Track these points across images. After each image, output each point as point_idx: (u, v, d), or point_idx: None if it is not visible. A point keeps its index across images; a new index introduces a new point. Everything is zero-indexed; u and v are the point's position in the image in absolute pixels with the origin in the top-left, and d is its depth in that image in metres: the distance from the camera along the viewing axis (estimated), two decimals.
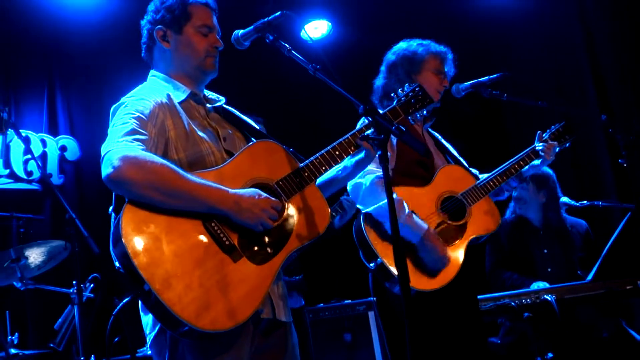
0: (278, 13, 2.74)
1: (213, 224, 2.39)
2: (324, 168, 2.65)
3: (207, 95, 2.83)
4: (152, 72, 2.81)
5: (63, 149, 6.27)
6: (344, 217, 4.71)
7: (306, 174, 2.61)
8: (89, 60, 6.30)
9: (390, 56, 3.81)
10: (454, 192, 3.57)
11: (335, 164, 2.69)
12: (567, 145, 3.91)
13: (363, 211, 3.44)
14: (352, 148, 2.72)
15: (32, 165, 5.98)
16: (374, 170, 3.38)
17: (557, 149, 3.84)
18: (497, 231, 3.67)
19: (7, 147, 5.95)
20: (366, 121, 2.77)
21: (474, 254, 3.66)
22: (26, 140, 5.80)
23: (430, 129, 3.91)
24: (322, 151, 2.68)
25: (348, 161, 2.79)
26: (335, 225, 4.91)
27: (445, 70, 3.77)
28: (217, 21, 2.80)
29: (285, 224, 2.52)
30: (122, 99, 2.60)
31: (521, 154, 3.77)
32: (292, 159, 2.66)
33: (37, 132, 6.18)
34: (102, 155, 2.38)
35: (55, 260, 4.64)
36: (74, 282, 4.20)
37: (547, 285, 4.67)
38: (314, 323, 5.46)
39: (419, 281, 3.27)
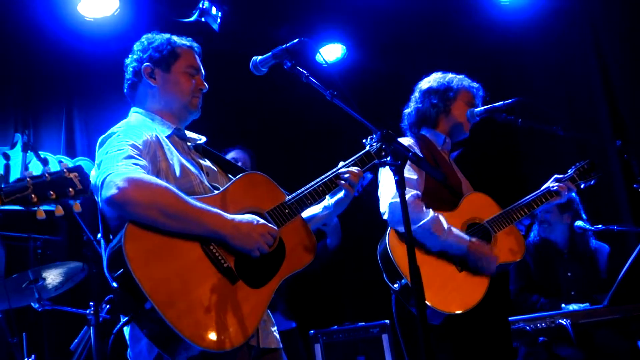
0: (296, 40, 2.80)
1: (211, 247, 2.44)
2: (309, 202, 2.76)
3: (187, 135, 2.90)
4: (135, 108, 2.89)
5: None
6: (332, 239, 4.80)
7: (294, 205, 2.72)
8: (107, 83, 6.35)
9: (424, 84, 3.90)
10: (480, 219, 3.60)
11: (320, 199, 2.82)
12: (593, 182, 3.93)
13: (394, 230, 3.41)
14: (334, 185, 2.84)
15: None
16: (408, 190, 3.38)
17: (583, 186, 3.90)
18: (522, 260, 3.71)
19: (26, 169, 6.00)
20: (342, 163, 2.90)
21: (501, 278, 3.67)
22: (44, 162, 5.85)
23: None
24: (307, 186, 2.80)
25: (328, 201, 2.94)
26: (329, 248, 4.97)
27: (475, 103, 3.86)
28: (201, 63, 2.90)
29: (278, 251, 2.60)
30: (112, 130, 2.68)
31: (536, 193, 3.80)
32: (280, 192, 2.77)
33: (55, 153, 6.23)
34: (102, 178, 2.41)
35: (72, 282, 4.68)
36: (91, 303, 4.23)
37: (581, 307, 4.66)
38: (327, 345, 5.45)
39: (447, 304, 3.27)
